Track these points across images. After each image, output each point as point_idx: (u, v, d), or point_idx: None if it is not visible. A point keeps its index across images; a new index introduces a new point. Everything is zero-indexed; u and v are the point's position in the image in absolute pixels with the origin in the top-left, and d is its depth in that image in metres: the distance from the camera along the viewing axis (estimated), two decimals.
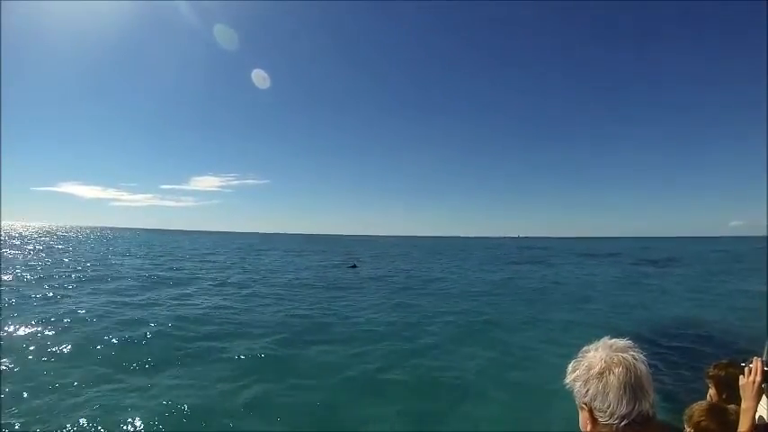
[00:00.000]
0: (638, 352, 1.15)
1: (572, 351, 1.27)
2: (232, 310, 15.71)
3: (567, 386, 1.20)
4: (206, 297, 18.64)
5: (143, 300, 17.13)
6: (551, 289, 24.81)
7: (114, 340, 10.99)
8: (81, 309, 14.59)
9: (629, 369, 1.10)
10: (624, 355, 1.13)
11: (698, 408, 2.12)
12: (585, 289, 24.74)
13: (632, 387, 1.08)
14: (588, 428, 1.15)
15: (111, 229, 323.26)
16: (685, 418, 2.11)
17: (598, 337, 1.24)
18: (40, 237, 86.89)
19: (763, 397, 2.15)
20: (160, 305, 16.15)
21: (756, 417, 1.87)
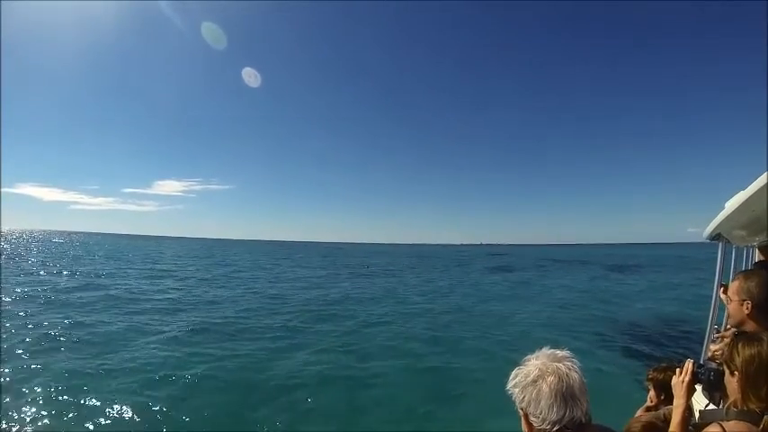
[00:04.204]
0: (573, 362, 1.22)
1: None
2: None
3: (509, 392, 1.27)
4: None
5: None
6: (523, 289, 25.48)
7: None
8: None
9: (561, 378, 1.16)
10: (558, 364, 1.20)
11: (636, 422, 2.32)
12: (552, 293, 25.57)
13: (563, 395, 1.14)
14: None
15: (70, 233, 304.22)
16: (624, 429, 2.28)
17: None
18: None
19: (699, 396, 2.31)
20: None
21: (696, 416, 2.02)
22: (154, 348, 11.25)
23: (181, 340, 12.24)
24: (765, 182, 2.18)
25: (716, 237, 3.77)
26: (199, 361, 10.14)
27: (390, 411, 7.76)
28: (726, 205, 3.03)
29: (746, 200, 2.55)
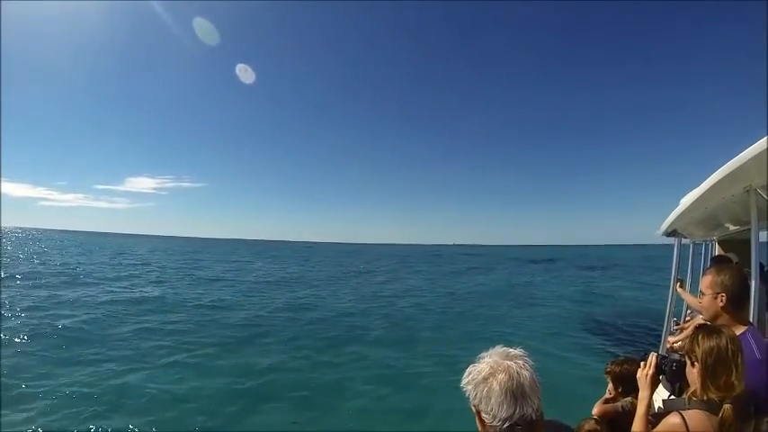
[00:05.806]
0: (526, 360, 1.21)
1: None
2: None
3: (463, 389, 1.24)
4: None
5: None
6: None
7: None
8: None
9: (512, 376, 1.15)
10: (510, 362, 1.19)
11: (587, 425, 2.46)
12: (530, 289, 26.38)
13: (513, 393, 1.14)
14: (479, 429, 1.22)
15: (39, 230, 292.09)
16: (575, 428, 2.38)
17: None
18: None
19: (661, 388, 2.37)
20: None
21: (656, 407, 2.06)
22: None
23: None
24: (718, 179, 2.25)
25: (672, 233, 3.92)
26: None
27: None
28: (681, 201, 3.14)
29: (700, 196, 2.65)
